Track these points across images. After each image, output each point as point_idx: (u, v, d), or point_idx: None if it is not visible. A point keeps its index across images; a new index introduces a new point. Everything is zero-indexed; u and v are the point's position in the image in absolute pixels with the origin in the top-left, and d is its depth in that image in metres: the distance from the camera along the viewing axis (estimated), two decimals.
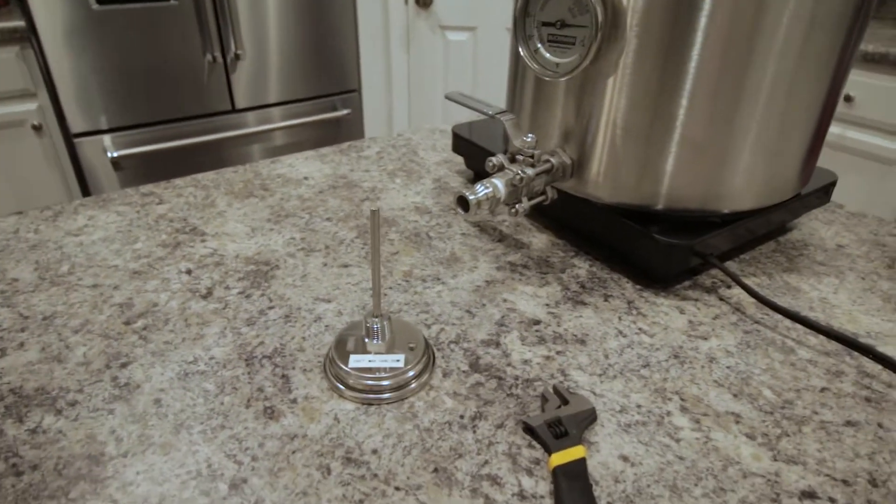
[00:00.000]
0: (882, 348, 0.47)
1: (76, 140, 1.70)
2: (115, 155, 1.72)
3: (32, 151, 1.70)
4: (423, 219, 0.64)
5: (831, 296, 0.53)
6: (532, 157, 0.49)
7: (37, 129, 1.67)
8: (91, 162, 1.73)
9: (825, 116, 0.52)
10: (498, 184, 0.47)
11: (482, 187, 0.47)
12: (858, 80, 1.55)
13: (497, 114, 0.51)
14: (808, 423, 0.40)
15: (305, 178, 0.73)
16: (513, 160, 0.51)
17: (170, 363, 0.43)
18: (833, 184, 0.62)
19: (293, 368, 0.42)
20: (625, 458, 0.36)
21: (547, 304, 0.51)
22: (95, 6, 1.57)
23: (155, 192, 0.68)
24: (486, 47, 2.11)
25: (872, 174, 1.59)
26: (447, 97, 0.55)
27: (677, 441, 0.38)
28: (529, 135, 0.49)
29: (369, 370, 0.40)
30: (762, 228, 0.58)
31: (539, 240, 0.61)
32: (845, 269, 0.57)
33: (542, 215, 0.65)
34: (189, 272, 0.53)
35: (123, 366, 0.42)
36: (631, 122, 0.49)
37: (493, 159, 0.50)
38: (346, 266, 0.55)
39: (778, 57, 0.45)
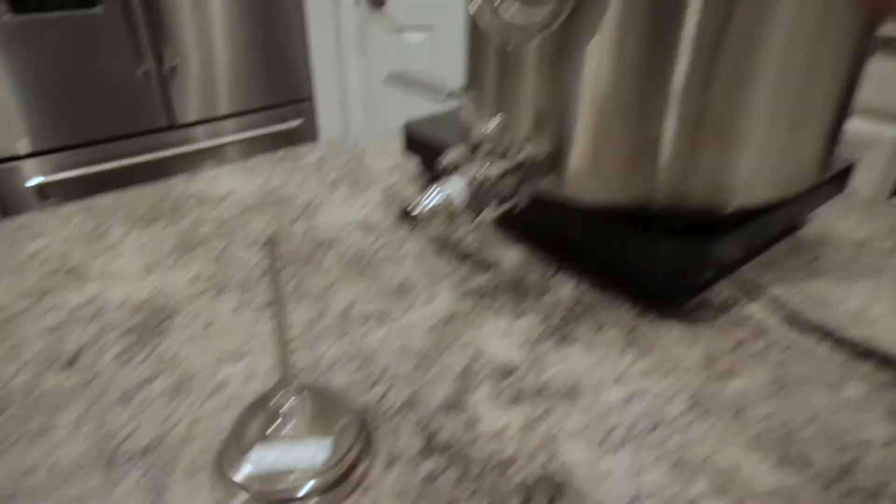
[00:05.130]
0: None
1: None
2: (40, 181, 1.56)
3: None
4: (368, 238, 0.52)
5: (867, 307, 0.43)
6: (499, 148, 0.38)
7: None
8: (13, 191, 1.57)
9: (848, 92, 0.42)
10: (454, 188, 0.36)
11: (432, 195, 0.35)
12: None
13: (451, 93, 0.39)
14: (881, 496, 0.29)
15: (227, 196, 0.60)
16: (475, 154, 0.39)
17: None
18: (850, 168, 0.52)
19: (172, 473, 0.30)
20: None
21: (524, 343, 0.39)
22: (8, 16, 1.42)
23: (33, 223, 0.54)
24: (444, 47, 2.00)
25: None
26: (387, 79, 0.44)
27: None
28: (496, 118, 0.38)
29: (277, 470, 0.28)
30: (779, 225, 0.48)
31: (511, 255, 0.50)
32: (873, 270, 0.47)
33: (515, 225, 0.54)
34: (53, 330, 0.40)
35: None
36: (619, 96, 0.38)
37: (450, 155, 0.38)
38: (266, 306, 0.43)
39: (798, 8, 0.35)
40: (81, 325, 0.41)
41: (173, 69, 1.66)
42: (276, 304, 0.27)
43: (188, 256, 0.49)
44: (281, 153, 0.71)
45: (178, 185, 0.63)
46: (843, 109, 0.43)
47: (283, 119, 1.97)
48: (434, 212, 0.36)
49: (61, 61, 1.52)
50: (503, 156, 0.38)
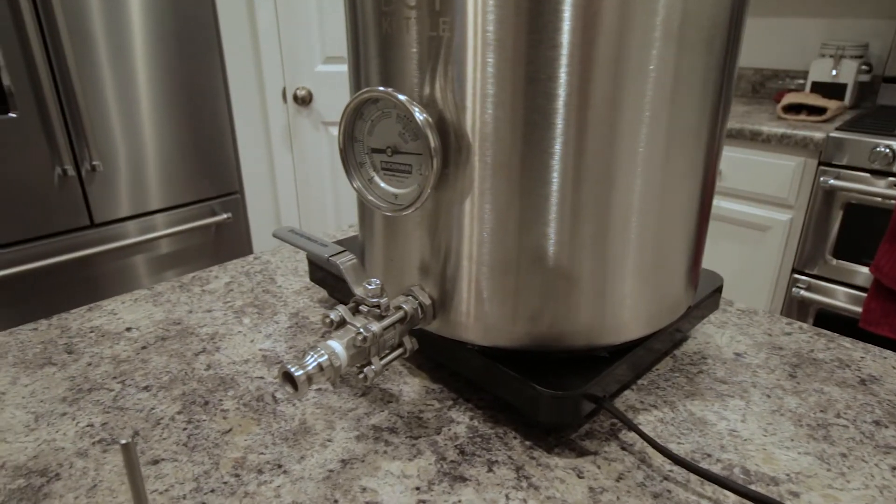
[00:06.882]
0: (805, 496, 0.40)
1: None
2: None
3: None
4: (271, 373, 0.52)
5: (740, 426, 0.46)
6: (378, 306, 0.40)
7: None
8: None
9: (703, 219, 0.48)
10: (336, 347, 0.38)
11: (314, 356, 0.37)
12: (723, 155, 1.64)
13: (333, 255, 0.42)
14: None
15: (128, 330, 0.59)
16: (356, 311, 0.41)
17: None
18: (720, 288, 0.58)
19: None
20: None
21: (418, 489, 0.40)
22: None
23: None
24: None
25: (747, 240, 1.66)
26: (274, 235, 0.46)
27: None
28: (373, 280, 0.40)
29: None
30: (658, 352, 0.51)
31: (411, 387, 0.51)
32: (748, 385, 0.51)
33: (416, 352, 0.56)
34: None
35: None
36: (493, 255, 0.41)
37: (332, 314, 0.40)
38: (156, 462, 0.42)
39: (643, 169, 0.40)
40: None
41: (93, 168, 1.64)
42: None
43: (79, 405, 0.48)
44: (189, 277, 0.71)
45: (76, 318, 0.62)
46: (698, 245, 0.48)
47: (214, 213, 1.96)
48: (313, 374, 0.37)
49: None
50: (381, 317, 0.39)
